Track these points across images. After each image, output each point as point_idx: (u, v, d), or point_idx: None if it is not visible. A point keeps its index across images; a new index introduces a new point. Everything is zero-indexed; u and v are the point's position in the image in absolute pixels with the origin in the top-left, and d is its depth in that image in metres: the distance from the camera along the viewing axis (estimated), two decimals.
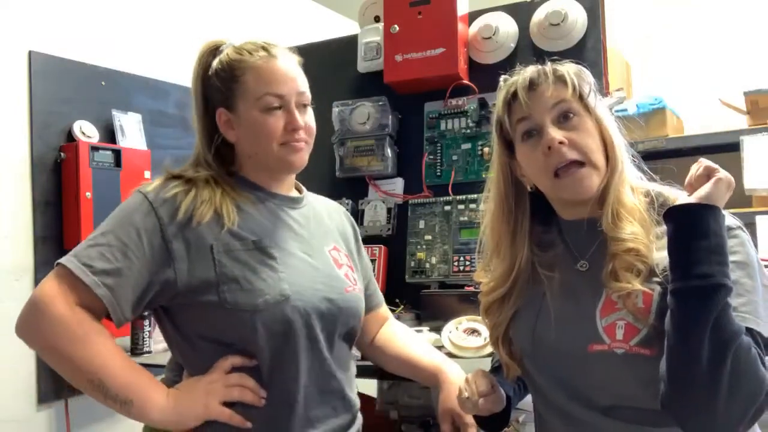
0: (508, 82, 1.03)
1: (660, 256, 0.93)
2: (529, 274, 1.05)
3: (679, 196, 0.96)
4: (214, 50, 1.18)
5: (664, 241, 0.92)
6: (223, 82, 1.15)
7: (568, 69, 1.00)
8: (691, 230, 0.84)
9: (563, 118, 0.98)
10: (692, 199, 0.86)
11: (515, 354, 1.08)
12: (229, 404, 1.07)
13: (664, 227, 0.93)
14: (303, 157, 1.17)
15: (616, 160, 0.99)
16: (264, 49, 1.15)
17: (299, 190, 1.28)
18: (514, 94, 1.00)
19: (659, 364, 0.87)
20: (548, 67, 1.01)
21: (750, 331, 0.84)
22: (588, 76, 1.02)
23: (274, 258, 1.10)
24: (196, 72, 1.18)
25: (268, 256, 1.10)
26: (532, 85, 0.99)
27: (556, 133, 0.97)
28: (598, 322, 0.94)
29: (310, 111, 1.18)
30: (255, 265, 1.08)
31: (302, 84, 1.16)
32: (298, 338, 1.08)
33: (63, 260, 1.04)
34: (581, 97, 0.99)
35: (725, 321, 0.81)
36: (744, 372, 0.81)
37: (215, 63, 1.16)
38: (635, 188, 1.00)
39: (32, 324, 1.03)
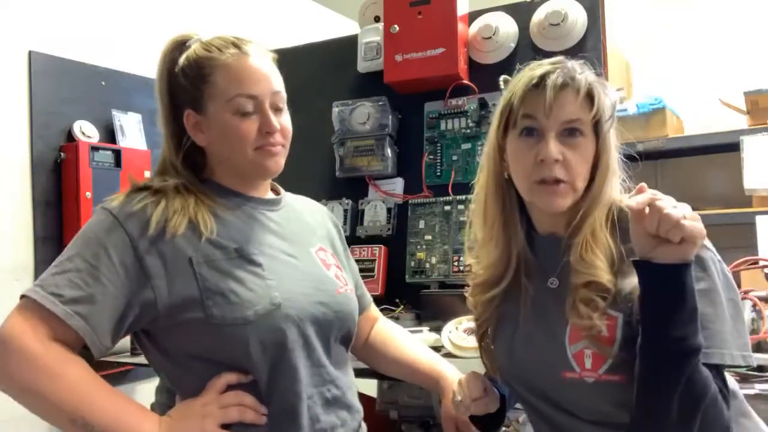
0: (536, 70, 0.96)
1: (623, 282, 0.91)
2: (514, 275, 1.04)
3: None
4: (181, 45, 1.10)
5: (626, 266, 0.91)
6: (190, 82, 1.07)
7: (599, 89, 0.95)
8: (667, 294, 0.82)
9: (568, 133, 0.95)
10: (668, 257, 0.81)
11: (494, 361, 1.09)
12: (227, 425, 1.00)
13: (628, 244, 0.91)
14: (279, 162, 1.10)
15: (601, 191, 0.96)
16: (235, 45, 1.07)
17: (276, 192, 1.22)
18: (537, 85, 0.94)
19: (630, 388, 0.88)
20: (582, 76, 0.95)
21: (715, 368, 0.85)
22: (613, 96, 0.98)
23: (259, 265, 1.04)
24: (160, 69, 1.10)
25: (252, 263, 1.03)
26: (561, 87, 0.94)
27: (555, 148, 0.93)
28: (567, 349, 0.94)
29: (286, 112, 1.11)
30: (240, 275, 1.01)
31: (277, 83, 1.09)
32: (293, 348, 1.02)
33: (27, 292, 0.96)
34: (597, 122, 0.95)
35: (696, 377, 0.82)
36: (712, 424, 0.83)
37: (182, 60, 1.08)
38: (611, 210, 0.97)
39: (1, 364, 0.93)
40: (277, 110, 1.09)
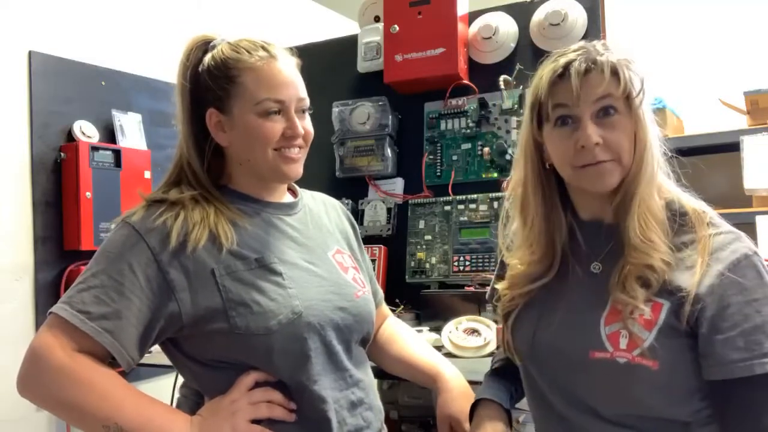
0: (559, 60, 0.95)
1: (672, 273, 0.90)
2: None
3: (696, 206, 0.96)
4: (205, 45, 1.11)
5: (679, 256, 0.91)
6: (216, 81, 1.08)
7: (624, 63, 0.94)
8: None
9: (603, 113, 0.94)
10: None
11: (514, 343, 1.06)
12: (256, 421, 1.01)
13: (681, 238, 0.92)
14: (297, 169, 1.11)
15: (644, 164, 0.94)
16: (264, 49, 1.08)
17: (293, 192, 1.23)
18: (562, 75, 0.94)
19: (663, 376, 0.88)
20: (605, 57, 0.94)
21: None
22: (639, 70, 0.96)
23: (279, 274, 1.05)
24: (183, 68, 1.11)
25: (273, 272, 1.05)
26: (586, 72, 0.93)
27: (593, 132, 0.92)
28: (601, 329, 0.93)
29: (307, 116, 1.13)
30: (262, 285, 1.03)
31: (302, 89, 1.11)
32: (316, 355, 1.04)
33: (56, 309, 0.97)
34: (628, 96, 0.93)
35: None
36: None
37: (207, 59, 1.09)
38: (661, 193, 0.97)
39: (33, 379, 0.97)
40: (300, 115, 1.11)
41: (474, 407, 1.12)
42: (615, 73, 0.93)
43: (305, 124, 1.11)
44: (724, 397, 0.89)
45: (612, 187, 0.95)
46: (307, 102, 1.13)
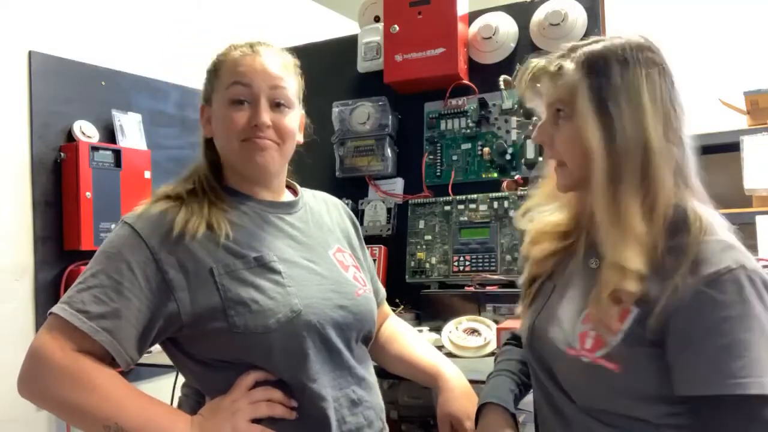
0: (520, 71, 1.01)
1: (651, 284, 0.87)
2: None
3: (700, 212, 0.91)
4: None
5: (662, 261, 0.88)
6: (208, 79, 1.13)
7: (568, 68, 0.93)
8: None
9: (554, 115, 0.97)
10: None
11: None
12: (257, 420, 1.01)
13: (670, 243, 0.89)
14: (267, 157, 1.08)
15: (593, 173, 0.91)
16: (250, 46, 1.11)
17: (294, 191, 1.24)
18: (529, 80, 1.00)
19: (624, 380, 0.88)
20: (555, 62, 0.95)
21: (759, 399, 0.80)
22: (603, 68, 0.92)
23: (278, 272, 1.05)
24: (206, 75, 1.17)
25: (272, 271, 1.05)
26: (534, 78, 0.98)
27: (536, 132, 0.99)
28: (577, 326, 0.95)
29: (290, 114, 1.11)
30: (261, 284, 1.03)
31: (281, 80, 1.09)
32: (316, 353, 1.04)
33: (55, 309, 0.98)
34: (584, 96, 0.91)
35: None
36: None
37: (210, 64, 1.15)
38: (663, 204, 0.91)
39: (34, 379, 0.97)
40: (276, 107, 1.09)
41: (479, 410, 1.12)
42: (563, 76, 0.94)
43: (280, 118, 1.09)
44: (693, 410, 0.87)
45: (566, 189, 1.00)
46: (287, 95, 1.10)
